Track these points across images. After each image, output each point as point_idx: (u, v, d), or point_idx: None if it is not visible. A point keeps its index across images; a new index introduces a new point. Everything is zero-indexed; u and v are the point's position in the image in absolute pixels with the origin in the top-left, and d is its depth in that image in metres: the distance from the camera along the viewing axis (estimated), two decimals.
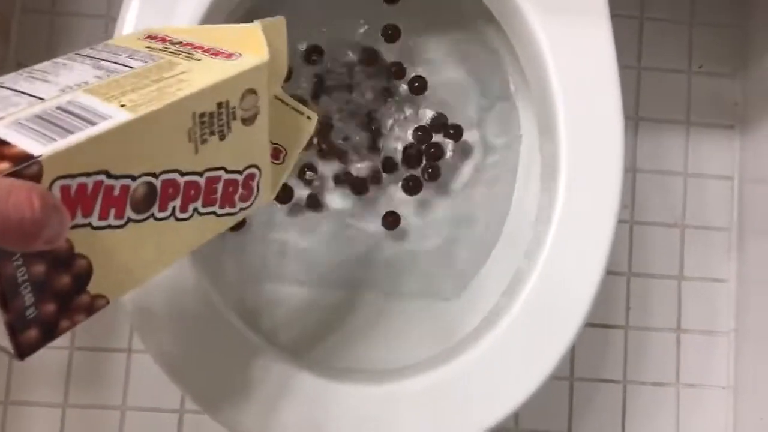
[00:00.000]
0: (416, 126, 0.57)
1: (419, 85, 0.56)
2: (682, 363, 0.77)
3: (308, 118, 0.38)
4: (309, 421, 0.44)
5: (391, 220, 0.56)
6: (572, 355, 0.76)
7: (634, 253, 0.78)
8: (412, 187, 0.56)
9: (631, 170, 0.78)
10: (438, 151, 0.57)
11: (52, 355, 0.72)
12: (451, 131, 0.57)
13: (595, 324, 0.76)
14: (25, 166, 0.22)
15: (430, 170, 0.57)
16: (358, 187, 0.56)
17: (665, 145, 0.79)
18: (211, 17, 0.46)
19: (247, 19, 0.54)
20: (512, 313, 0.46)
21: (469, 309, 0.54)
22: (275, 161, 0.36)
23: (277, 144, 0.36)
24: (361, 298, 0.56)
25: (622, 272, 0.78)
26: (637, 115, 0.79)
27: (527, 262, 0.47)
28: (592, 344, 0.76)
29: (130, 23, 0.45)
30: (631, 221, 0.78)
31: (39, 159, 0.23)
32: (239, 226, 0.55)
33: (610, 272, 0.77)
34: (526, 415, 0.75)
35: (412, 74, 0.57)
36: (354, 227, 0.57)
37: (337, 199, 0.57)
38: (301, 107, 0.37)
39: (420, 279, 0.57)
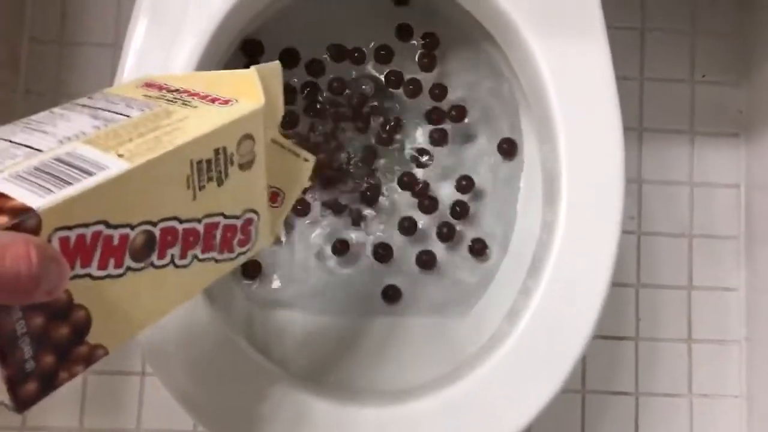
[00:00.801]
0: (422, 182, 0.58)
1: (439, 137, 0.57)
2: (694, 373, 0.77)
3: (305, 160, 0.38)
4: None
5: (408, 226, 0.57)
6: (583, 368, 0.76)
7: (642, 264, 0.78)
8: (408, 227, 0.57)
9: (637, 181, 0.79)
10: (433, 205, 0.58)
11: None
12: (464, 182, 0.57)
13: (606, 336, 0.76)
14: (23, 220, 0.22)
15: (426, 203, 0.57)
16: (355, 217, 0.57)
17: (670, 155, 0.80)
18: (212, 47, 0.47)
19: (246, 46, 0.55)
20: (520, 329, 0.47)
21: (477, 327, 0.55)
22: (273, 204, 0.36)
23: (274, 187, 0.36)
24: (369, 321, 0.56)
25: (631, 283, 0.78)
26: (641, 126, 0.80)
27: (532, 279, 0.48)
28: (603, 356, 0.76)
29: (133, 54, 0.46)
30: (638, 232, 0.78)
31: (37, 211, 0.23)
32: (256, 273, 0.55)
33: (619, 284, 0.77)
34: (539, 429, 0.75)
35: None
36: (358, 251, 0.57)
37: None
38: (298, 150, 0.38)
39: (427, 300, 0.57)
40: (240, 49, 0.56)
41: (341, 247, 0.56)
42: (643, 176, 0.79)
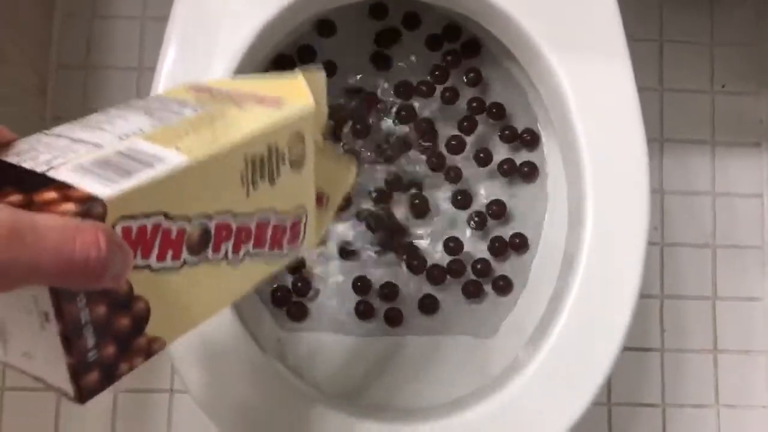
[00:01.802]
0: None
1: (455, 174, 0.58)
2: (721, 384, 0.77)
3: (348, 167, 0.38)
4: None
5: (454, 246, 0.57)
6: (609, 381, 0.76)
7: (666, 275, 0.78)
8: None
9: (659, 192, 0.79)
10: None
11: (97, 397, 0.73)
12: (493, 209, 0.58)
13: (631, 348, 0.76)
14: (90, 207, 0.23)
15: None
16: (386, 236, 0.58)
17: (692, 165, 0.80)
18: (243, 69, 0.48)
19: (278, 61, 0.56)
20: (549, 345, 0.47)
21: (504, 345, 0.55)
22: (318, 206, 0.36)
23: (320, 190, 0.36)
24: (399, 340, 0.57)
25: (655, 295, 0.78)
26: (662, 137, 0.80)
27: (560, 295, 0.48)
28: (628, 368, 0.76)
29: (165, 78, 0.47)
30: (661, 243, 0.78)
31: (103, 200, 0.23)
32: (296, 269, 0.56)
33: (643, 295, 0.75)
34: None
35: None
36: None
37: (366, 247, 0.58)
38: (342, 156, 0.38)
39: (455, 318, 0.57)
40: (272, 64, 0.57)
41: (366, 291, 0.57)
42: (665, 187, 0.79)
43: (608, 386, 0.76)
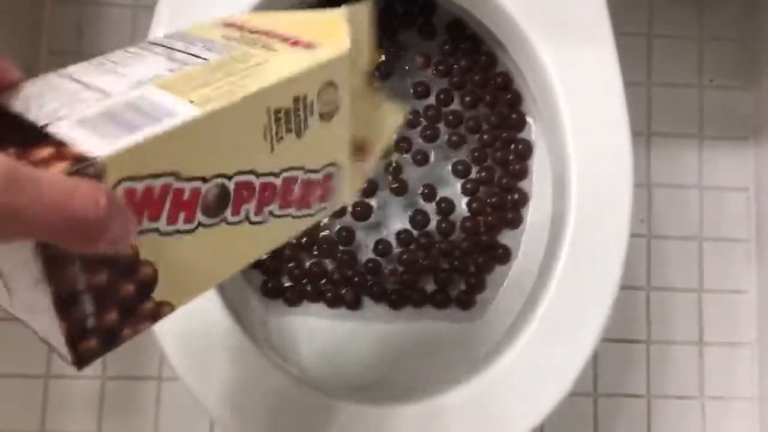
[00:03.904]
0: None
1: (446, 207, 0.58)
2: (706, 375, 0.77)
3: (395, 111, 0.35)
4: None
5: (421, 219, 0.57)
6: (595, 371, 0.76)
7: (653, 267, 0.78)
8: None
9: (646, 185, 0.79)
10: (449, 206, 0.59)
11: (84, 384, 0.74)
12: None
13: (617, 339, 0.77)
14: (86, 165, 0.21)
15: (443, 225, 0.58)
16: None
17: (679, 159, 0.80)
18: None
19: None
20: (530, 329, 0.47)
21: (491, 329, 0.55)
22: (358, 158, 0.33)
23: (360, 139, 0.32)
24: (383, 326, 0.57)
25: (642, 287, 0.78)
26: (650, 131, 0.80)
27: (542, 280, 0.48)
28: (614, 359, 0.77)
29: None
30: (648, 235, 0.79)
31: (101, 158, 0.22)
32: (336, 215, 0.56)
33: (630, 287, 0.78)
34: None
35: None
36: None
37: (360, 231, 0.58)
38: (389, 98, 0.35)
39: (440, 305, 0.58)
40: None
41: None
42: (653, 180, 0.80)
43: (594, 377, 0.76)
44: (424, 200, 0.58)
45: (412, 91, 0.59)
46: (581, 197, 0.48)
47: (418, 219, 0.57)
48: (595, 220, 0.48)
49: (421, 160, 0.58)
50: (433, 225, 0.58)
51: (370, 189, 0.57)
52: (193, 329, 0.45)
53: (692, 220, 0.79)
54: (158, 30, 0.49)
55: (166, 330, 0.45)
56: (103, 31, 0.79)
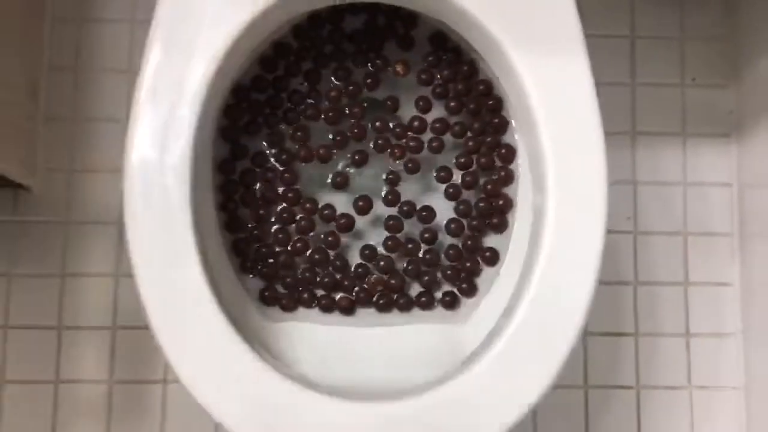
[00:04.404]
0: None
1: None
2: (693, 366, 0.80)
3: None
4: None
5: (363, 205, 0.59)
6: (585, 364, 0.79)
7: (640, 262, 0.81)
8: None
9: (632, 182, 0.82)
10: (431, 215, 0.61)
11: (92, 388, 0.76)
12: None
13: (606, 333, 0.79)
14: None
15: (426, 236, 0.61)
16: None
17: (663, 156, 0.83)
18: (224, 68, 0.51)
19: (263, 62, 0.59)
20: (513, 326, 0.50)
21: (477, 330, 0.57)
22: None
23: None
24: (376, 330, 0.60)
25: (629, 281, 0.81)
26: (634, 130, 0.83)
27: (522, 280, 0.51)
28: (603, 353, 0.79)
29: (150, 76, 0.50)
30: (634, 232, 0.81)
31: None
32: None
33: (618, 282, 0.80)
34: (544, 424, 0.78)
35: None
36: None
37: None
38: None
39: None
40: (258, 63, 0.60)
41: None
42: (638, 178, 0.82)
43: (585, 369, 0.79)
44: (386, 204, 0.60)
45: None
46: (558, 194, 0.50)
47: (391, 224, 0.60)
48: (572, 216, 0.50)
49: (412, 168, 0.60)
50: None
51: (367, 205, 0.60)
52: (192, 334, 0.48)
53: (677, 216, 0.82)
54: (155, 46, 0.51)
55: (166, 336, 0.47)
56: (101, 46, 0.82)
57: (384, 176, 0.60)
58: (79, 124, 0.80)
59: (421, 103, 0.61)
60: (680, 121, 0.83)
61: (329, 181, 0.60)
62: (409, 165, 0.60)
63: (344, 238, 0.60)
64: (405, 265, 0.61)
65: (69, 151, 0.80)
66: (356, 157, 0.60)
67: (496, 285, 0.59)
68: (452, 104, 0.61)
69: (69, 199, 0.79)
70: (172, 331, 0.48)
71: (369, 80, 0.61)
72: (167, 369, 0.77)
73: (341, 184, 0.60)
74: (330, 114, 0.59)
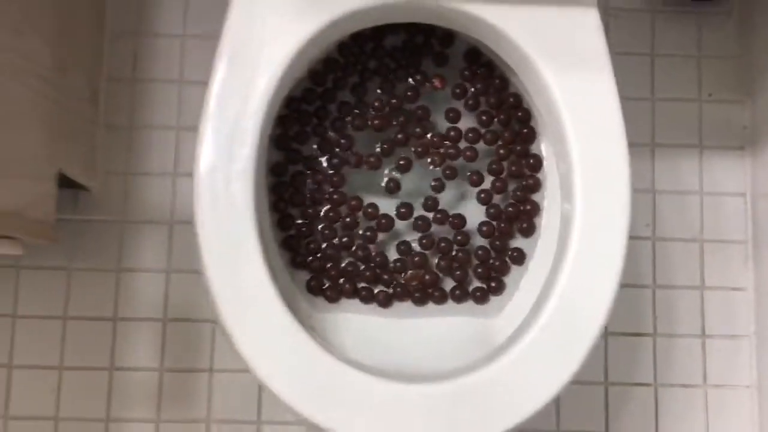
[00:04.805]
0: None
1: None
2: (708, 366, 0.84)
3: None
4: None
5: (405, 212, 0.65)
6: (606, 362, 0.84)
7: (658, 267, 0.86)
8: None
9: (651, 192, 0.87)
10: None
11: (144, 375, 0.82)
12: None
13: (626, 333, 0.84)
14: None
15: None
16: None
17: (681, 167, 0.87)
18: (284, 82, 0.56)
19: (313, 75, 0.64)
20: (538, 324, 0.55)
21: (507, 324, 0.62)
22: None
23: None
24: (415, 321, 0.65)
25: (648, 285, 0.85)
26: (654, 142, 0.88)
27: (550, 280, 0.56)
28: (623, 351, 0.84)
29: (217, 90, 0.56)
30: (653, 238, 0.86)
31: None
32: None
33: (637, 285, 0.85)
34: (566, 418, 0.83)
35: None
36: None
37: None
38: None
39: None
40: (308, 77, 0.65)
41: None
42: (657, 187, 0.87)
43: (605, 367, 0.83)
44: (425, 210, 0.66)
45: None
46: (585, 202, 0.56)
47: (420, 224, 0.65)
48: (597, 222, 0.55)
49: (450, 174, 0.66)
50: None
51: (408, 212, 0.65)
52: (257, 324, 0.54)
53: (693, 224, 0.86)
54: (223, 60, 0.57)
55: (236, 328, 0.53)
56: (155, 59, 0.88)
57: (431, 183, 0.66)
58: (135, 131, 0.87)
59: (451, 114, 0.67)
60: (697, 135, 0.88)
61: (383, 184, 0.66)
62: (447, 171, 0.65)
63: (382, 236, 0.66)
64: (437, 260, 0.66)
65: (125, 156, 0.86)
66: (401, 163, 0.65)
67: (525, 282, 0.64)
68: (484, 117, 0.66)
69: (125, 200, 0.85)
70: (240, 322, 0.53)
71: (409, 93, 0.66)
72: (214, 358, 0.83)
73: (394, 188, 0.65)
74: (376, 122, 0.65)
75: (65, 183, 0.80)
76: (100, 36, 0.88)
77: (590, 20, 0.58)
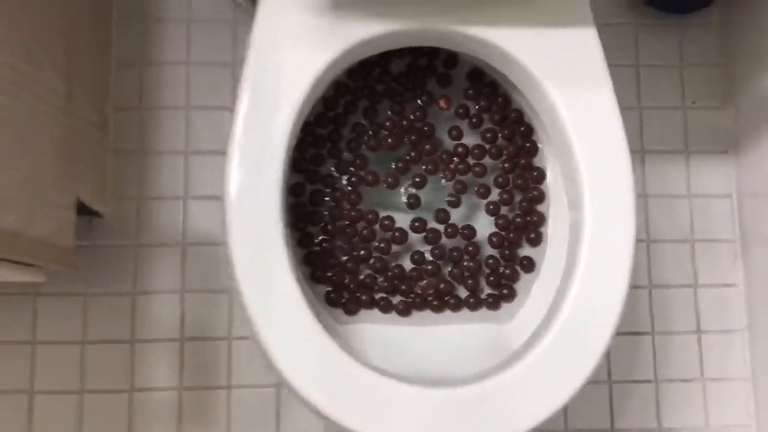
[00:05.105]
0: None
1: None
2: (705, 360, 0.88)
3: None
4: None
5: (419, 226, 0.68)
6: (608, 361, 0.87)
7: (652, 268, 0.90)
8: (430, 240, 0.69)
9: (643, 196, 0.91)
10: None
11: (164, 396, 0.84)
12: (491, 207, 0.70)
13: (625, 332, 0.88)
14: None
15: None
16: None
17: (669, 172, 0.92)
18: (304, 109, 0.59)
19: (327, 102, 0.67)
20: (553, 330, 0.58)
21: (520, 329, 0.66)
22: None
23: None
24: (429, 327, 0.68)
25: (644, 285, 0.89)
26: (643, 149, 0.92)
27: (562, 286, 0.59)
28: (624, 350, 0.88)
29: (243, 119, 0.59)
30: (647, 240, 0.90)
31: None
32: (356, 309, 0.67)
33: (634, 286, 0.89)
34: (574, 417, 0.86)
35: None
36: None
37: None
38: None
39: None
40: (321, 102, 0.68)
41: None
42: (648, 192, 0.91)
43: (608, 366, 0.87)
44: (437, 222, 0.69)
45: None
46: (593, 211, 0.59)
47: (430, 236, 0.69)
48: (606, 229, 0.59)
49: (460, 189, 0.69)
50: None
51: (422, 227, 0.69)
52: (290, 335, 0.56)
53: (684, 225, 0.91)
54: (246, 92, 0.60)
55: (270, 340, 0.56)
56: (161, 87, 0.91)
57: (446, 198, 0.69)
58: (145, 157, 0.89)
59: (454, 132, 0.70)
60: (683, 140, 0.93)
61: (404, 201, 0.69)
62: (458, 186, 0.69)
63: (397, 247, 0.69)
64: (450, 270, 0.69)
65: (136, 181, 0.88)
66: (417, 180, 0.68)
67: (536, 289, 0.68)
68: (488, 135, 0.70)
69: (137, 224, 0.88)
70: (273, 332, 0.56)
71: (417, 113, 0.70)
72: (231, 376, 0.85)
73: (414, 204, 0.69)
74: (390, 141, 0.68)
75: (79, 210, 0.82)
76: (107, 64, 0.90)
77: (589, 38, 0.62)
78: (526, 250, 0.70)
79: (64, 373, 0.84)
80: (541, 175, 0.69)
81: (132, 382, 0.85)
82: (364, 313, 0.68)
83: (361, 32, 0.61)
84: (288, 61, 0.60)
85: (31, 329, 0.84)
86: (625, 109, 0.93)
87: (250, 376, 0.85)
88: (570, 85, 0.60)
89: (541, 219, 0.69)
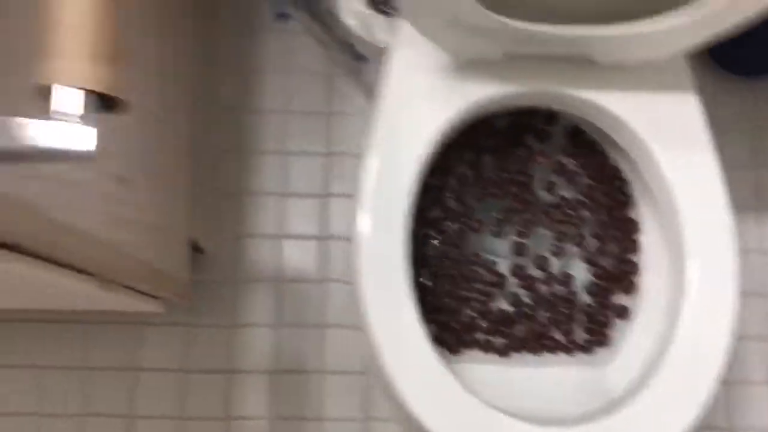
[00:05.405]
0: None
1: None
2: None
3: None
4: None
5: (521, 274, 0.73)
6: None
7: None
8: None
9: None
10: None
11: (257, 424, 0.89)
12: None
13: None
14: None
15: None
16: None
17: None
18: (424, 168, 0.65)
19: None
20: (660, 376, 0.62)
21: (617, 375, 0.69)
22: None
23: None
24: (527, 368, 0.73)
25: None
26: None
27: (666, 333, 0.63)
28: None
29: (376, 152, 0.64)
30: None
31: None
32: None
33: None
34: None
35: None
36: None
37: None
38: None
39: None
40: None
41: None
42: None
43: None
44: (537, 268, 0.74)
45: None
46: (697, 263, 0.63)
47: (529, 282, 0.73)
48: (710, 281, 0.63)
49: (560, 238, 0.74)
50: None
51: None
52: (415, 371, 0.61)
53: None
54: (374, 150, 0.65)
55: (398, 376, 0.60)
56: (257, 131, 0.97)
57: (549, 247, 0.74)
58: (243, 197, 0.95)
59: (551, 185, 0.75)
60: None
61: (512, 249, 0.74)
62: (558, 236, 0.74)
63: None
64: (547, 314, 0.73)
65: (234, 220, 0.94)
66: (522, 231, 0.73)
67: (632, 336, 0.72)
68: (586, 189, 0.75)
69: (235, 261, 0.93)
70: (402, 369, 0.60)
71: (518, 166, 0.75)
72: (322, 407, 0.89)
73: (521, 251, 0.73)
74: (495, 191, 0.73)
75: None
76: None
77: (691, 104, 0.67)
78: (620, 298, 0.74)
79: (165, 399, 0.89)
80: (635, 227, 0.74)
81: (228, 411, 0.89)
82: (466, 353, 0.73)
83: (485, 91, 0.66)
84: (414, 118, 0.65)
85: (136, 356, 0.89)
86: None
87: (341, 408, 0.89)
88: (674, 147, 0.65)
89: (635, 269, 0.73)
